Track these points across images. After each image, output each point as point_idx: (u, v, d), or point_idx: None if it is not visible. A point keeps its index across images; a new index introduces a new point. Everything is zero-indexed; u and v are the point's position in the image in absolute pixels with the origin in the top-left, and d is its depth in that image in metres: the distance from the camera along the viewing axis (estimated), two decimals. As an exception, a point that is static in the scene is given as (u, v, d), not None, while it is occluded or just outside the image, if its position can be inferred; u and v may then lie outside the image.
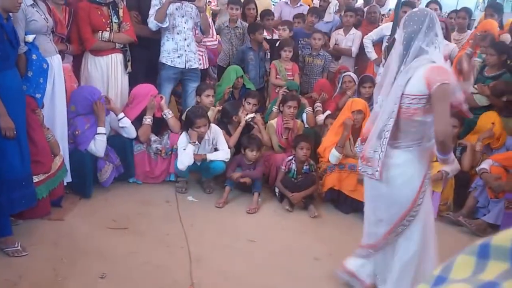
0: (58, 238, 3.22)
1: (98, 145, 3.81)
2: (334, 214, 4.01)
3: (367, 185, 2.66)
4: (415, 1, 6.10)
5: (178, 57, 4.43)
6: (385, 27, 5.50)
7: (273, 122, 4.54)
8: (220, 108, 4.53)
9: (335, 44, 5.96)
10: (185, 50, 4.45)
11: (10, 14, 2.97)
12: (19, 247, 2.97)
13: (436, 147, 2.37)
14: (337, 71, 5.61)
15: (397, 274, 2.56)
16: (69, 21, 3.99)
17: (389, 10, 7.19)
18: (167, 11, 4.23)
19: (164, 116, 4.30)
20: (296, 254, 3.28)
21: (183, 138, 4.01)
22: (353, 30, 5.88)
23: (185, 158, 3.89)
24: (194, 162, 3.93)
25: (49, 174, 3.32)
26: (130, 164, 4.12)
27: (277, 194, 4.11)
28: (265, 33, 5.52)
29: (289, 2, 6.61)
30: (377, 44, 5.61)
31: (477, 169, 3.95)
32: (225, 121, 4.41)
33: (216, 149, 4.11)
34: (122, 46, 4.22)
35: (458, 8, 6.83)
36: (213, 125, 4.16)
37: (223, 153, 4.05)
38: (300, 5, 6.53)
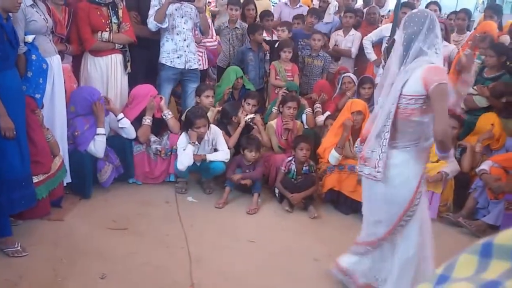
0: (57, 239, 3.21)
1: (97, 145, 3.81)
2: (334, 214, 4.01)
3: (364, 185, 2.66)
4: (414, 2, 6.11)
5: (178, 57, 4.43)
6: (384, 28, 5.50)
7: (273, 123, 4.54)
8: (219, 108, 4.53)
9: (335, 45, 5.96)
10: (185, 51, 4.45)
11: (10, 14, 2.97)
12: (19, 248, 2.96)
13: (435, 146, 2.37)
14: (336, 72, 5.61)
15: (397, 274, 2.56)
16: (69, 21, 3.99)
17: (389, 11, 7.19)
18: (167, 11, 4.23)
19: (164, 117, 4.30)
20: (296, 255, 3.28)
21: (182, 138, 4.01)
22: (353, 31, 5.88)
23: (184, 158, 3.89)
24: (193, 162, 3.93)
25: (48, 175, 3.31)
26: (129, 164, 4.12)
27: (277, 194, 4.11)
28: (264, 34, 5.52)
29: (288, 3, 6.62)
30: (376, 45, 5.61)
31: (477, 170, 3.95)
32: (224, 121, 4.41)
33: (215, 150, 4.11)
34: (121, 46, 4.22)
35: (458, 10, 6.85)
36: (212, 126, 4.16)
37: (223, 154, 4.05)
38: (300, 6, 6.54)
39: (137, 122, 4.16)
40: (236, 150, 4.29)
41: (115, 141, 4.07)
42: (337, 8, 6.67)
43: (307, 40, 5.56)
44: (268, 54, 5.57)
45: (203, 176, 4.26)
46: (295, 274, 3.05)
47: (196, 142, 3.97)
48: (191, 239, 3.35)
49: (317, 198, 4.12)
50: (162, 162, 4.22)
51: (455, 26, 6.03)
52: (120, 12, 4.17)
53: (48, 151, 3.36)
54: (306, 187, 3.97)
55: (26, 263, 2.89)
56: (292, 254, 3.29)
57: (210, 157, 4.00)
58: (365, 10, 6.42)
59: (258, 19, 5.93)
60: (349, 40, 5.87)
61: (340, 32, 5.97)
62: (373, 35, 5.59)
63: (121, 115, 4.05)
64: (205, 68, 5.16)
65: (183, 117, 4.32)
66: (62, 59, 3.79)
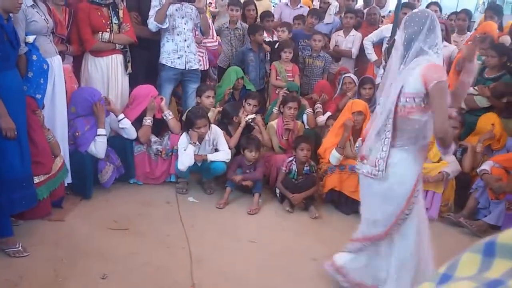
0: (58, 239, 3.21)
1: (98, 146, 3.81)
2: (334, 215, 4.00)
3: (362, 183, 2.67)
4: (415, 2, 6.11)
5: (178, 58, 4.43)
6: (385, 29, 5.51)
7: (274, 123, 4.54)
8: (220, 109, 4.54)
9: (335, 45, 5.97)
10: (185, 51, 4.45)
11: (11, 14, 2.97)
12: (20, 248, 2.96)
13: (436, 142, 2.38)
14: (337, 72, 5.61)
15: (396, 274, 2.56)
16: (69, 22, 3.99)
17: (389, 11, 7.20)
18: (167, 12, 4.24)
19: (165, 117, 4.30)
20: (297, 255, 3.27)
21: (183, 138, 4.01)
22: (353, 32, 5.89)
23: (185, 158, 3.89)
24: (194, 162, 3.93)
25: (49, 175, 3.31)
26: (130, 165, 4.12)
27: (278, 195, 4.11)
28: (265, 35, 5.53)
29: (289, 4, 6.63)
30: (377, 45, 5.62)
31: (478, 170, 3.95)
32: (225, 122, 4.41)
33: (216, 150, 4.11)
34: (122, 47, 4.23)
35: (458, 10, 6.85)
36: (213, 126, 4.16)
37: (224, 154, 4.05)
38: (300, 6, 6.55)
39: (137, 123, 4.16)
40: (237, 150, 4.29)
41: (116, 141, 4.07)
42: (337, 9, 6.68)
43: (307, 40, 5.57)
44: (268, 55, 5.57)
45: (204, 176, 4.26)
46: (295, 274, 3.05)
47: (197, 142, 3.97)
48: (192, 239, 3.35)
49: (318, 199, 4.12)
50: (163, 163, 4.22)
51: (455, 27, 6.04)
52: (121, 13, 4.18)
53: (49, 151, 3.36)
54: (307, 187, 3.97)
55: (26, 263, 2.89)
56: (293, 254, 3.29)
57: (211, 157, 4.00)
58: (365, 11, 6.42)
59: (258, 19, 5.94)
60: (349, 41, 5.88)
61: (341, 32, 5.97)
62: (373, 36, 5.59)
63: (121, 116, 4.05)
64: (205, 69, 5.17)
65: (183, 118, 4.32)
66: (63, 59, 3.79)
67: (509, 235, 0.58)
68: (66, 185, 3.66)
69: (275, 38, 5.71)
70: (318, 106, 5.01)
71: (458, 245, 3.51)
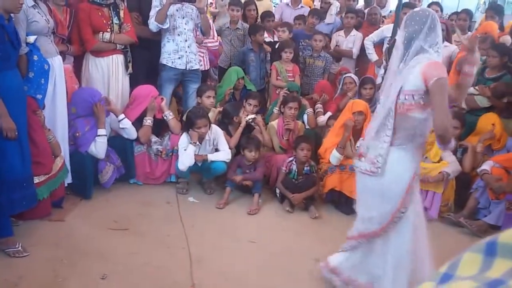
0: (58, 239, 3.22)
1: (98, 147, 3.81)
2: (334, 215, 4.00)
3: (359, 180, 2.68)
4: (416, 2, 6.10)
5: (179, 58, 4.44)
6: (386, 29, 5.51)
7: (274, 123, 4.55)
8: (221, 109, 4.54)
9: (336, 45, 5.97)
10: (186, 51, 4.45)
11: (12, 15, 2.97)
12: (20, 248, 2.97)
13: (436, 139, 2.40)
14: (337, 72, 5.61)
15: (393, 272, 2.55)
16: (70, 22, 4.00)
17: (390, 11, 7.20)
18: (168, 12, 4.24)
19: (165, 118, 4.30)
20: (297, 255, 3.27)
21: (184, 138, 4.01)
22: (354, 32, 5.88)
23: (186, 158, 3.89)
24: (195, 162, 3.93)
25: (50, 175, 3.31)
26: (130, 165, 4.12)
27: (278, 195, 4.11)
28: (266, 35, 5.53)
29: (290, 4, 6.64)
30: (377, 45, 5.62)
31: (478, 170, 3.95)
32: (226, 122, 4.41)
33: (217, 150, 4.11)
34: (123, 47, 4.23)
35: (459, 10, 6.84)
36: (213, 126, 4.17)
37: (224, 154, 4.05)
38: (301, 6, 6.55)
39: (138, 123, 4.16)
40: (237, 150, 4.29)
41: (116, 141, 4.07)
42: (338, 9, 6.67)
43: (308, 40, 5.57)
44: (268, 55, 5.57)
45: (204, 176, 4.26)
46: (296, 274, 3.05)
47: (197, 142, 3.97)
48: (192, 239, 3.35)
49: (318, 199, 4.12)
50: (163, 163, 4.22)
51: (456, 27, 6.03)
52: (121, 13, 4.18)
53: (49, 151, 3.36)
54: (307, 187, 3.97)
55: (26, 263, 2.89)
56: (293, 254, 3.29)
57: (211, 157, 4.00)
58: (366, 11, 6.43)
59: (259, 19, 5.94)
60: (350, 41, 5.88)
61: (341, 32, 5.97)
62: (374, 36, 5.59)
63: (122, 116, 4.05)
64: (206, 69, 5.17)
65: (184, 118, 4.32)
66: (64, 59, 3.80)
67: (510, 234, 0.58)
68: (66, 185, 3.67)
69: (276, 38, 5.71)
70: (319, 106, 5.01)
71: (458, 245, 3.50)
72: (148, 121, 4.16)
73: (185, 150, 3.92)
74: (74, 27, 4.03)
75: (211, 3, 6.85)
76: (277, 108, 4.74)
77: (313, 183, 4.01)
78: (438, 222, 3.93)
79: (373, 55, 5.60)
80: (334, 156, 3.95)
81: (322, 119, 4.87)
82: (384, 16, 6.61)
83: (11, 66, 2.96)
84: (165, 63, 4.45)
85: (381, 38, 5.53)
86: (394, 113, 2.39)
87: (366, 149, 2.54)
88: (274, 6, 7.69)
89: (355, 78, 5.12)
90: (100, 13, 4.06)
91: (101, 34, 4.08)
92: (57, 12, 3.81)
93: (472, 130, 4.41)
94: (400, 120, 2.41)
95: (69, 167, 3.66)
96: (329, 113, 4.90)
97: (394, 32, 4.89)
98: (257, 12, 5.92)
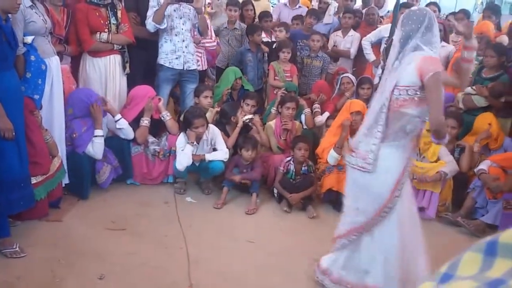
0: (56, 239, 3.21)
1: (96, 147, 3.81)
2: (332, 214, 3.99)
3: (349, 175, 2.69)
4: (413, 2, 6.12)
5: (176, 58, 4.44)
6: (383, 29, 5.51)
7: (272, 123, 4.55)
8: (218, 109, 4.54)
9: (334, 45, 5.97)
10: (183, 52, 4.45)
11: (9, 15, 2.97)
12: (17, 248, 2.96)
13: (431, 134, 2.42)
14: (335, 72, 5.61)
15: (381, 269, 2.56)
16: (67, 22, 3.99)
17: (388, 12, 7.20)
18: (165, 12, 4.24)
19: (163, 118, 4.29)
20: (295, 255, 3.27)
21: (181, 138, 4.01)
22: (352, 32, 5.88)
23: (183, 158, 3.89)
24: (192, 162, 3.93)
25: (47, 176, 3.31)
26: (128, 165, 4.12)
27: (276, 195, 4.11)
28: (263, 35, 5.52)
29: (287, 4, 6.63)
30: (375, 45, 5.62)
31: (475, 170, 3.95)
32: (223, 122, 4.41)
33: (214, 150, 4.11)
34: (120, 47, 4.22)
35: (457, 10, 6.85)
36: (211, 126, 4.17)
37: (222, 153, 4.05)
38: (299, 6, 6.55)
39: (136, 123, 4.15)
40: (234, 150, 4.29)
41: (113, 141, 4.07)
42: (336, 9, 6.68)
43: (306, 40, 5.57)
44: (266, 55, 5.57)
45: (202, 176, 4.26)
46: (294, 274, 3.05)
47: (195, 142, 3.97)
48: (189, 239, 3.35)
49: (315, 198, 4.12)
50: (160, 163, 4.22)
51: (453, 28, 6.03)
52: (119, 13, 4.18)
53: (47, 152, 3.36)
54: (305, 187, 3.97)
55: (24, 264, 2.89)
56: (291, 254, 3.29)
57: (209, 156, 4.00)
58: (364, 11, 6.43)
59: (257, 20, 5.93)
60: (348, 41, 5.87)
61: (339, 32, 5.97)
62: (372, 36, 5.60)
63: (118, 116, 4.04)
64: (204, 69, 5.17)
65: (181, 118, 4.32)
66: (61, 60, 3.79)
67: (510, 234, 0.58)
68: (63, 185, 3.66)
69: (274, 39, 5.71)
70: (316, 106, 5.01)
71: (456, 244, 3.51)
72: (145, 121, 4.16)
73: (182, 150, 3.92)
74: (71, 27, 4.02)
75: (208, 3, 6.83)
76: (274, 108, 4.74)
77: (310, 183, 4.01)
78: (436, 221, 3.94)
79: (370, 55, 5.60)
80: (331, 156, 3.96)
81: (320, 119, 4.88)
82: (381, 16, 6.62)
83: (8, 67, 2.95)
84: (162, 63, 4.45)
85: (379, 38, 5.54)
86: (387, 109, 2.41)
87: (357, 144, 2.55)
88: (272, 6, 7.69)
89: (353, 78, 5.13)
90: (97, 13, 4.06)
91: (99, 34, 4.08)
92: (55, 12, 3.80)
93: (470, 130, 4.42)
94: (392, 117, 2.42)
95: (66, 168, 3.65)
96: (327, 113, 4.90)
97: (392, 32, 4.90)
98: (255, 12, 5.92)
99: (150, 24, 4.29)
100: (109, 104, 4.06)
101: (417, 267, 2.55)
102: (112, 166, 3.96)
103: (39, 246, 3.10)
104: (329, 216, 3.96)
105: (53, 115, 3.59)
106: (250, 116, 4.38)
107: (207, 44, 5.07)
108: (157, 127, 4.39)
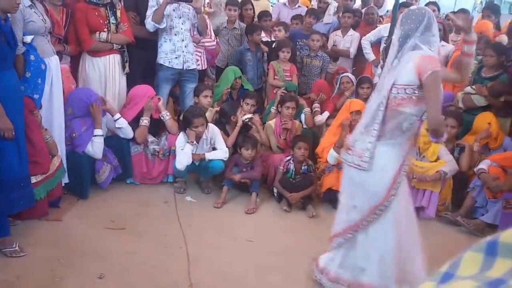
0: (55, 239, 3.21)
1: (95, 147, 3.81)
2: (332, 214, 3.93)
3: (345, 172, 2.69)
4: (412, 2, 6.11)
5: (176, 58, 4.43)
6: (383, 28, 5.51)
7: (272, 122, 4.55)
8: (218, 108, 4.54)
9: (333, 45, 5.97)
10: (183, 51, 4.45)
11: (8, 15, 2.97)
12: (17, 248, 2.96)
13: (429, 133, 2.43)
14: (335, 72, 5.62)
15: (377, 267, 2.56)
16: (67, 22, 3.99)
17: (387, 11, 7.20)
18: (165, 12, 4.23)
19: (162, 118, 4.29)
20: (295, 254, 3.27)
21: (181, 138, 4.01)
22: (351, 31, 5.88)
23: (183, 157, 3.89)
24: (192, 161, 3.93)
25: (47, 175, 3.31)
26: (127, 164, 4.11)
27: (275, 194, 4.11)
28: (263, 34, 5.52)
29: (287, 4, 6.63)
30: (375, 45, 5.62)
31: (475, 169, 3.96)
32: (223, 121, 4.41)
33: (214, 149, 4.11)
34: (119, 47, 4.22)
35: (456, 10, 6.86)
36: (210, 125, 4.17)
37: (222, 152, 4.05)
38: (298, 6, 6.55)
39: (135, 123, 4.15)
40: (234, 150, 4.30)
41: (113, 141, 4.07)
42: (336, 9, 6.68)
43: (305, 40, 5.57)
44: (266, 54, 5.57)
45: (201, 175, 4.26)
46: (293, 273, 3.05)
47: (195, 141, 3.97)
48: (189, 239, 3.35)
49: (315, 198, 4.12)
50: (160, 163, 4.22)
51: (453, 26, 6.03)
52: (118, 13, 4.17)
53: (47, 151, 3.36)
54: (305, 186, 3.97)
55: (23, 263, 2.89)
56: (291, 253, 3.29)
57: (209, 156, 4.00)
58: (363, 11, 6.43)
59: (256, 19, 5.93)
60: (347, 40, 5.88)
61: (339, 32, 5.97)
62: (371, 35, 5.60)
63: (117, 115, 4.04)
64: (203, 68, 5.17)
65: (181, 117, 4.31)
66: (60, 59, 3.78)
67: (510, 234, 0.58)
68: (63, 185, 3.66)
69: (273, 38, 5.71)
70: (316, 105, 5.01)
71: (456, 244, 3.51)
72: (144, 121, 4.16)
73: (182, 149, 3.92)
74: (70, 27, 4.02)
75: (208, 2, 6.82)
76: (274, 108, 4.74)
77: (310, 182, 4.01)
78: (436, 221, 3.94)
79: (370, 55, 5.60)
80: (331, 156, 3.96)
81: (320, 118, 4.88)
82: (381, 16, 6.62)
83: (8, 66, 2.96)
84: (162, 62, 4.45)
85: (378, 38, 5.54)
86: (384, 107, 2.41)
87: (354, 142, 2.55)
88: (271, 6, 7.69)
89: (352, 77, 5.13)
90: (96, 13, 4.06)
91: (98, 34, 4.07)
92: (54, 12, 3.80)
93: (469, 129, 4.42)
94: (389, 116, 2.42)
95: (66, 167, 3.65)
96: (326, 113, 4.90)
97: (391, 32, 4.90)
98: (254, 12, 5.92)
99: (150, 24, 4.29)
100: (109, 103, 4.06)
101: (413, 266, 2.56)
102: (112, 166, 3.96)
103: (39, 245, 3.10)
104: (329, 216, 3.94)
105: (52, 115, 3.59)
106: (249, 116, 4.38)
107: (206, 44, 5.06)
108: (157, 127, 4.39)
